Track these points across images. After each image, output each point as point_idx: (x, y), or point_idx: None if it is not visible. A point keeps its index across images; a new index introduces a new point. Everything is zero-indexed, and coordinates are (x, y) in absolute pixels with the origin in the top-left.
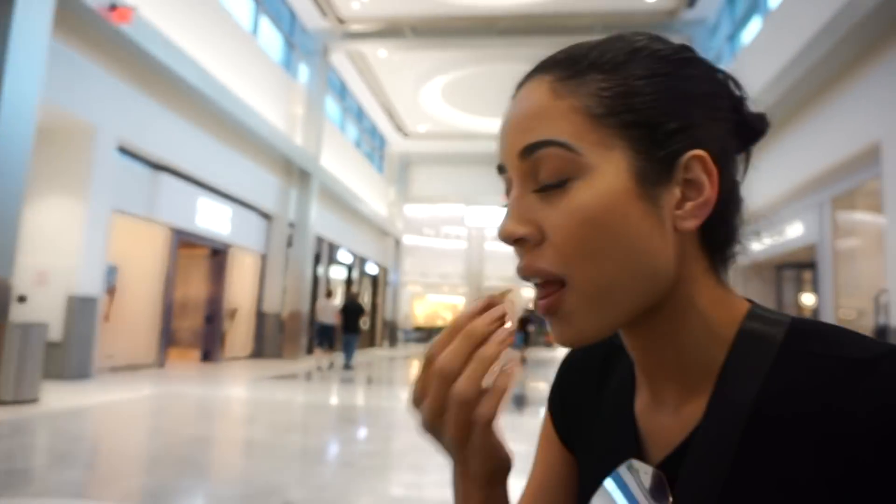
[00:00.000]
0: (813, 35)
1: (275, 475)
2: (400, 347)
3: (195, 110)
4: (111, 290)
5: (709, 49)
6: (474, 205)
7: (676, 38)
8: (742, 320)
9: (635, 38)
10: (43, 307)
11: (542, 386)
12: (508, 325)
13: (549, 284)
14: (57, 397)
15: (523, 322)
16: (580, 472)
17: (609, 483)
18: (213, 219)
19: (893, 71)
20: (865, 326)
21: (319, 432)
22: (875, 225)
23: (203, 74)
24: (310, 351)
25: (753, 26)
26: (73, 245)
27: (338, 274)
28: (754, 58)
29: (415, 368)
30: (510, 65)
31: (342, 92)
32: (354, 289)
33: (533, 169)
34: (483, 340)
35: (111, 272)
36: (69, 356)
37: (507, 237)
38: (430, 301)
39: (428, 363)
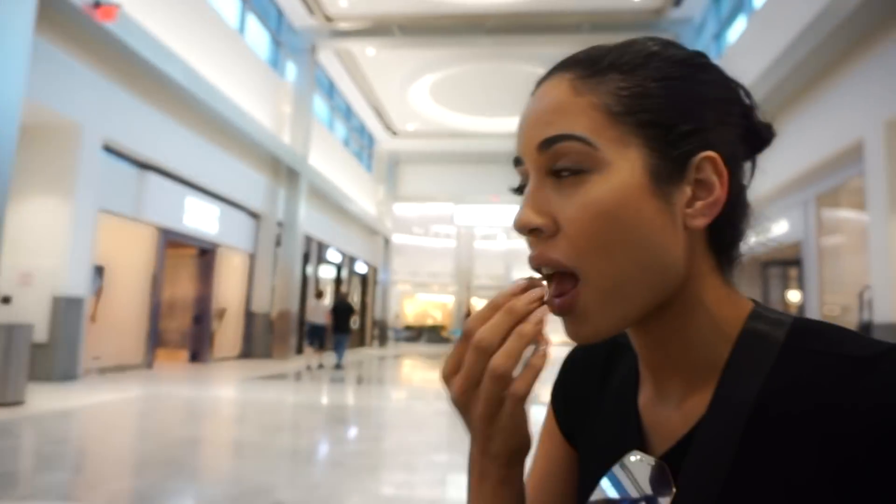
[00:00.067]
0: (797, 34)
1: (264, 476)
2: (390, 347)
3: (182, 109)
4: (98, 291)
5: (695, 48)
6: (463, 203)
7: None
8: (746, 319)
9: (653, 42)
10: (28, 308)
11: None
12: (545, 307)
13: (561, 280)
14: (43, 399)
15: None
16: (581, 466)
17: (613, 473)
18: (200, 218)
19: (876, 69)
20: (850, 322)
21: (309, 432)
22: (859, 222)
23: (189, 73)
24: (299, 351)
25: (739, 25)
26: (58, 245)
27: (327, 273)
28: (740, 56)
29: (406, 368)
30: (498, 63)
31: (330, 90)
32: (344, 288)
33: (551, 162)
34: (522, 318)
35: (97, 272)
36: (55, 357)
37: (522, 227)
38: (420, 300)
39: (466, 337)
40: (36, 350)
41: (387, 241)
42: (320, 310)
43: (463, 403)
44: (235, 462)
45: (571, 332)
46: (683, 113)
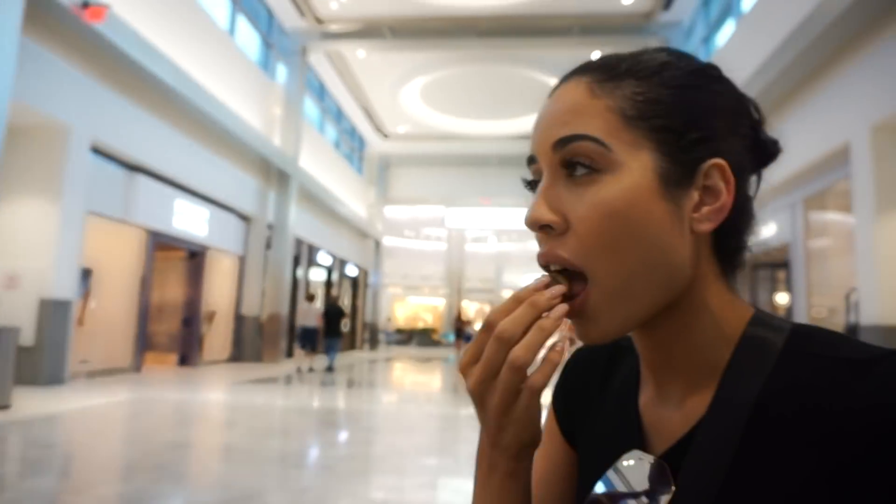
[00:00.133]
0: (784, 38)
1: (253, 480)
2: (381, 350)
3: (171, 110)
4: (85, 294)
5: (684, 51)
6: (454, 206)
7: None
8: (747, 323)
9: (668, 53)
10: (14, 311)
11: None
12: (565, 304)
13: (571, 283)
14: (29, 403)
15: None
16: (581, 465)
17: (612, 471)
18: (190, 221)
19: (862, 74)
20: (837, 324)
21: (299, 436)
22: (845, 225)
23: (179, 74)
24: (289, 354)
25: (727, 29)
26: (45, 247)
27: (317, 276)
28: (728, 60)
29: (396, 371)
30: (489, 66)
31: (321, 93)
32: (334, 291)
33: (565, 160)
34: (544, 313)
35: (85, 275)
36: (42, 361)
37: (533, 223)
38: (411, 303)
39: (487, 328)
40: (22, 353)
41: (377, 244)
42: (312, 313)
43: (479, 394)
44: (224, 466)
45: (581, 333)
46: (695, 121)
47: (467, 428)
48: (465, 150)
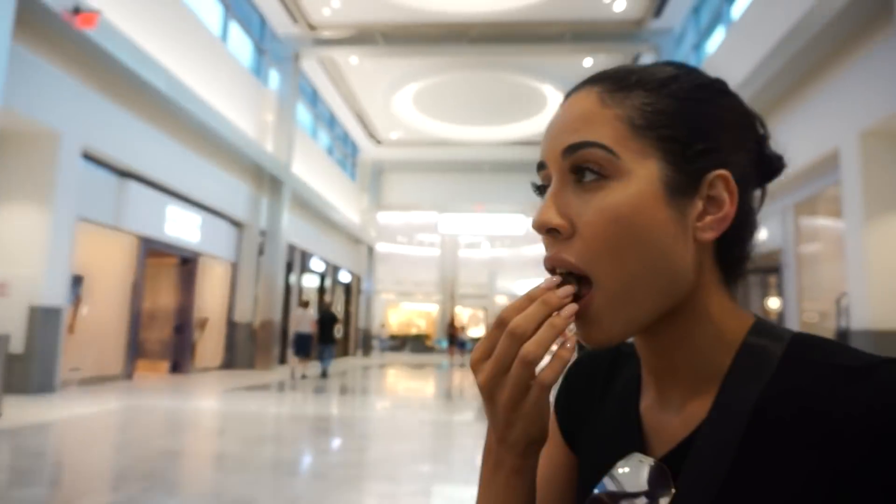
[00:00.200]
0: (773, 46)
1: (246, 488)
2: (374, 356)
3: (163, 117)
4: (76, 301)
5: (675, 58)
6: (447, 212)
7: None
8: (748, 331)
9: (678, 67)
10: (4, 318)
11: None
12: (576, 304)
13: (577, 285)
14: (19, 412)
15: None
16: (581, 469)
17: (612, 473)
18: (182, 227)
19: (849, 81)
20: (828, 328)
21: (292, 444)
22: (835, 230)
23: (171, 80)
24: (282, 361)
25: (717, 36)
26: (35, 254)
27: (310, 282)
28: (718, 67)
29: (389, 377)
30: (482, 72)
31: (313, 99)
32: (327, 297)
33: (573, 166)
34: (556, 311)
35: (76, 282)
36: (32, 369)
37: (540, 226)
38: (404, 309)
39: (500, 324)
40: (12, 361)
41: (371, 250)
42: (306, 319)
43: (490, 389)
44: (216, 475)
45: (584, 335)
46: (701, 132)
47: (461, 434)
48: (458, 156)
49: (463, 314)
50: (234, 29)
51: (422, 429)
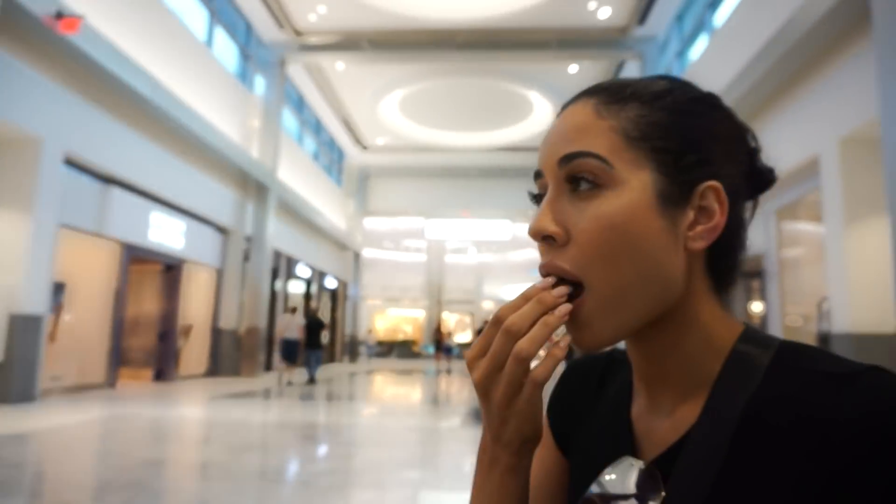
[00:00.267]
0: (755, 54)
1: (230, 497)
2: (361, 362)
3: (147, 122)
4: (58, 308)
5: (658, 65)
6: (434, 218)
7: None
8: (737, 338)
9: (672, 81)
10: None
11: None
12: (570, 304)
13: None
14: None
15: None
16: (573, 473)
17: (604, 476)
18: (166, 233)
19: (829, 89)
20: (809, 332)
21: (277, 451)
22: (816, 234)
23: (155, 86)
24: (268, 368)
25: (701, 44)
26: (15, 261)
27: (296, 288)
28: (701, 74)
29: (376, 383)
30: (468, 79)
31: (299, 104)
32: (313, 304)
33: (569, 175)
34: (550, 310)
35: (58, 289)
36: (11, 378)
37: (536, 233)
38: (391, 315)
39: (496, 322)
40: None
41: (357, 256)
42: (294, 325)
43: (485, 386)
44: (200, 484)
45: (575, 339)
46: (693, 144)
47: (448, 441)
48: (445, 162)
49: (450, 320)
50: (220, 34)
51: (408, 435)
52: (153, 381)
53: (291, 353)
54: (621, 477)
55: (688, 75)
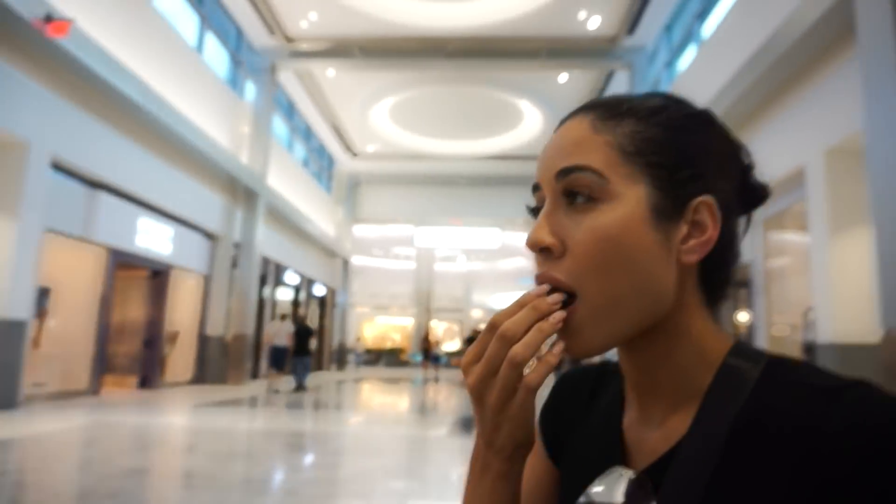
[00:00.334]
0: (741, 65)
1: None
2: (349, 370)
3: (136, 127)
4: (42, 314)
5: (648, 75)
6: (424, 225)
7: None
8: (728, 352)
9: (667, 98)
10: None
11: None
12: (564, 311)
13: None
14: None
15: (470, 342)
16: (563, 483)
17: (595, 486)
18: (153, 239)
19: (815, 101)
20: (795, 342)
21: (263, 460)
22: (802, 244)
23: (145, 90)
24: (255, 375)
25: (689, 54)
26: (0, 265)
27: (284, 295)
28: (690, 84)
29: (364, 392)
30: (459, 87)
31: (290, 111)
32: (302, 311)
33: (566, 189)
34: (544, 317)
35: (42, 294)
36: None
37: (533, 244)
38: (379, 323)
39: (491, 328)
40: None
41: (346, 263)
42: (283, 331)
43: (479, 390)
44: (184, 493)
45: (566, 345)
46: (687, 160)
47: (435, 450)
48: (435, 170)
49: (438, 328)
50: (210, 40)
51: (395, 444)
52: (138, 388)
53: (280, 360)
54: (611, 486)
55: (676, 85)
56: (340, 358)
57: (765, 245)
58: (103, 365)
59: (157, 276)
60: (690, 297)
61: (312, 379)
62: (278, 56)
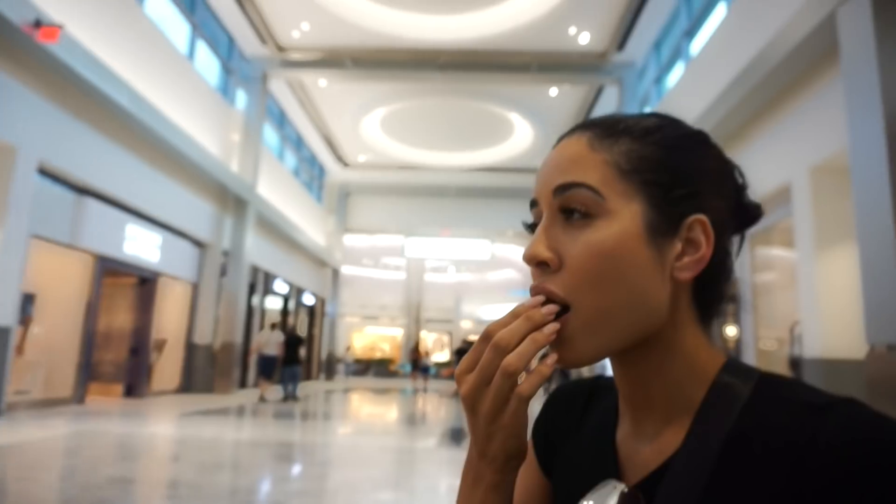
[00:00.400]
0: (728, 83)
1: None
2: (338, 380)
3: (125, 133)
4: (27, 321)
5: (637, 91)
6: (414, 236)
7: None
8: (720, 368)
9: (663, 118)
10: None
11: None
12: (558, 323)
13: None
14: None
15: (460, 353)
16: (555, 496)
17: (586, 500)
18: (141, 246)
19: (800, 119)
20: (782, 356)
21: (249, 471)
22: (789, 260)
23: (135, 97)
24: (243, 384)
25: (677, 71)
26: None
27: (273, 304)
28: (678, 101)
29: (352, 402)
30: (450, 99)
31: (281, 120)
32: (291, 320)
33: (563, 205)
34: (538, 327)
35: (28, 301)
36: None
37: (530, 258)
38: (369, 333)
39: (485, 338)
40: None
41: (336, 273)
42: (273, 341)
43: (472, 399)
44: (169, 503)
45: (558, 354)
46: (681, 179)
47: (423, 461)
48: (426, 181)
49: (428, 339)
50: (202, 48)
51: (383, 455)
52: (124, 396)
53: (268, 369)
54: (604, 499)
55: (665, 102)
56: (329, 368)
57: (752, 260)
58: (88, 373)
59: (145, 283)
60: (684, 314)
61: (301, 388)
62: (270, 65)
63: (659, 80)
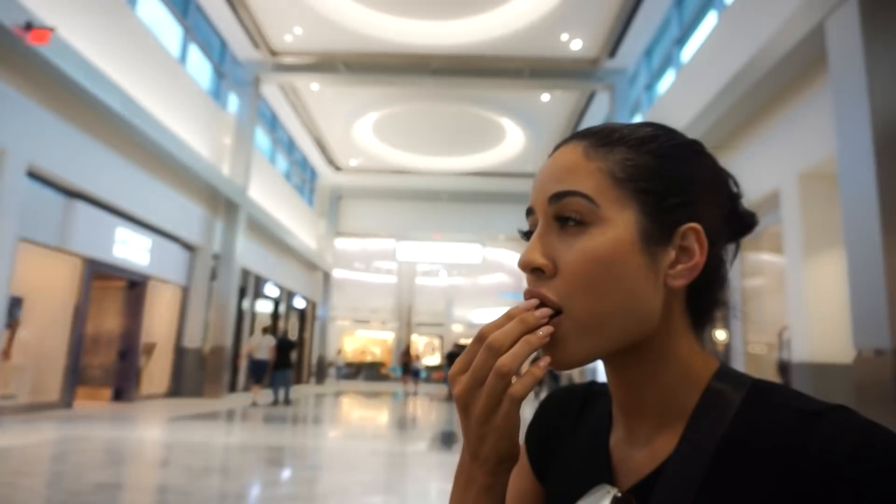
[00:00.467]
0: (718, 91)
1: None
2: (329, 384)
3: (116, 136)
4: (14, 324)
5: (629, 97)
6: (405, 240)
7: (599, 86)
8: (713, 375)
9: (658, 128)
10: None
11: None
12: (551, 325)
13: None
14: None
15: (451, 357)
16: (548, 500)
17: (580, 503)
18: (131, 249)
19: (789, 125)
20: (771, 361)
21: (239, 475)
22: (778, 265)
23: (126, 100)
24: (232, 389)
25: (668, 78)
26: None
27: (264, 308)
28: (669, 107)
29: (343, 406)
30: (442, 104)
31: (273, 123)
32: (281, 324)
33: (558, 213)
34: (532, 330)
35: (15, 304)
36: None
37: (526, 265)
38: (360, 336)
39: (479, 339)
40: None
41: (327, 276)
42: (264, 345)
43: (465, 400)
44: None
45: (549, 355)
46: (675, 187)
47: (414, 465)
48: (417, 185)
49: (419, 342)
50: (194, 51)
51: (374, 459)
52: (112, 400)
53: (259, 373)
54: None
55: (656, 108)
56: (320, 371)
57: (741, 266)
58: (76, 377)
59: (134, 286)
60: (677, 321)
61: (292, 392)
62: (262, 69)
63: (650, 86)
